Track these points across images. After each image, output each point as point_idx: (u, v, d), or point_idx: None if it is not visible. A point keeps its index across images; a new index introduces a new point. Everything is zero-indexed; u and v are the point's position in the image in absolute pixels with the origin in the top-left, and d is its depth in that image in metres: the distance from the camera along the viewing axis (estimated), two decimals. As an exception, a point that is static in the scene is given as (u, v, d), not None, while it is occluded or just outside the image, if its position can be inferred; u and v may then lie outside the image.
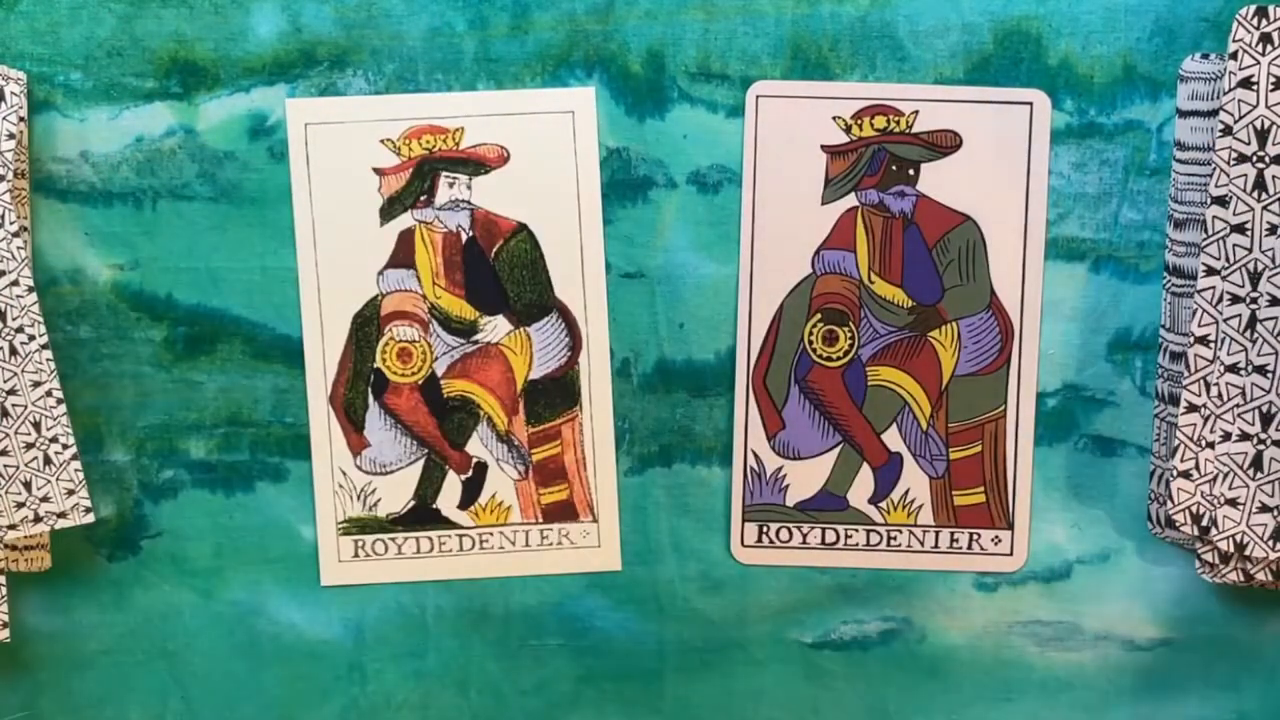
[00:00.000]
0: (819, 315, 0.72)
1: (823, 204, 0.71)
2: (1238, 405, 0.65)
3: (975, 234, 0.71)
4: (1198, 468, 0.66)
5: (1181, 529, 0.67)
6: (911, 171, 0.71)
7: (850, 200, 0.71)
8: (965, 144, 0.70)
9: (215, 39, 0.70)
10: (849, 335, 0.72)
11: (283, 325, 0.73)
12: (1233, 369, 0.65)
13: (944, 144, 0.71)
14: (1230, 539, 0.66)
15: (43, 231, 0.72)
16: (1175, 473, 0.67)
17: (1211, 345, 0.66)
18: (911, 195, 0.71)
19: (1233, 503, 0.66)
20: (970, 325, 0.72)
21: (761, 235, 0.71)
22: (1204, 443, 0.66)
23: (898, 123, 0.70)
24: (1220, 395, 0.66)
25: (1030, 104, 0.70)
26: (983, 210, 0.71)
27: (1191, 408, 0.66)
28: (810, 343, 0.72)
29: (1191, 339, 0.66)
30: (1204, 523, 0.67)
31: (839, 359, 0.72)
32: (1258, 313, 0.65)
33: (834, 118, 0.71)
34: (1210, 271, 0.65)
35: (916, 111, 0.70)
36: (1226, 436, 0.66)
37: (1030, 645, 0.74)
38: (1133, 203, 0.71)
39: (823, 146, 0.71)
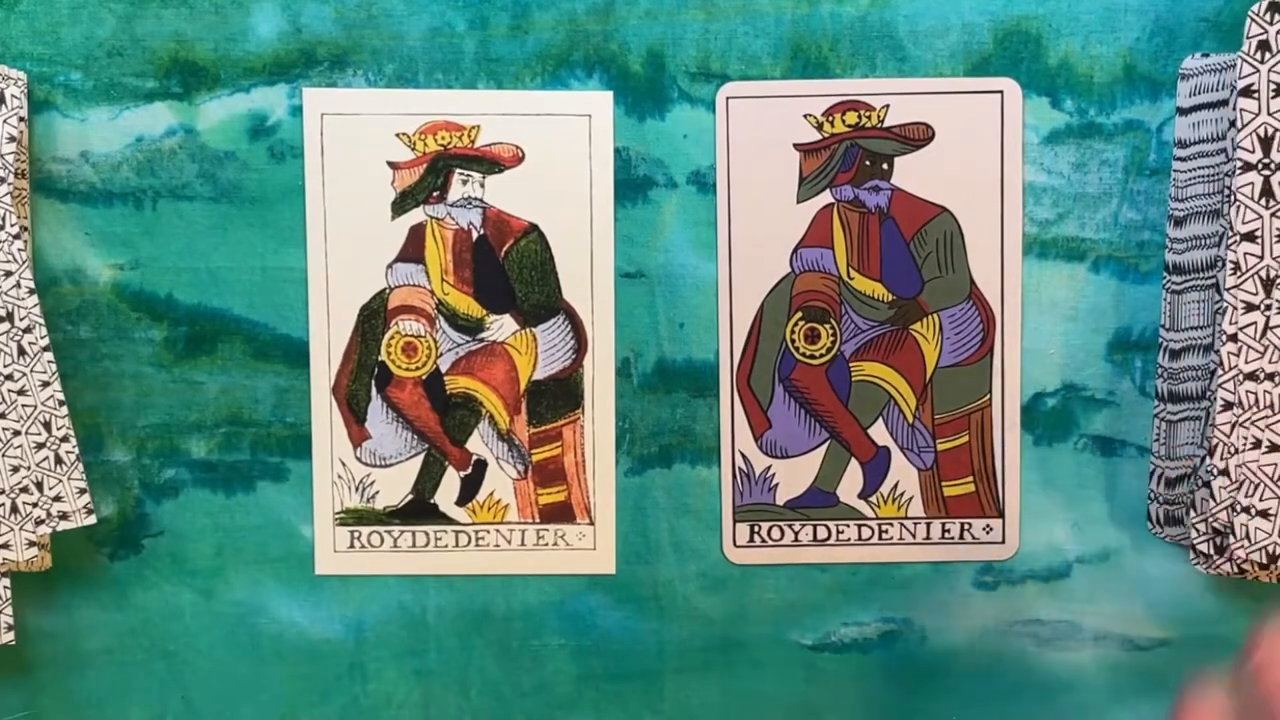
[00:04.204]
0: (800, 313, 0.72)
1: (798, 202, 0.71)
2: (1267, 416, 0.65)
3: (952, 225, 0.71)
4: (1228, 473, 0.66)
5: (1223, 529, 0.67)
6: (885, 165, 0.71)
7: (825, 197, 0.71)
8: (937, 135, 0.71)
9: (215, 39, 0.71)
10: (831, 332, 0.72)
11: (283, 325, 0.73)
12: (1251, 376, 0.65)
13: (916, 136, 0.71)
14: (1263, 550, 0.66)
15: (43, 231, 0.72)
16: (1215, 470, 0.66)
17: (1240, 344, 0.65)
18: (886, 189, 0.71)
19: (1264, 514, 0.66)
20: (951, 316, 0.72)
21: (739, 236, 0.72)
22: (1233, 449, 0.66)
23: (869, 117, 0.71)
24: (1240, 403, 0.65)
25: (1001, 92, 0.70)
26: (958, 201, 0.71)
27: (1227, 405, 0.66)
28: (792, 341, 0.72)
29: (1224, 337, 0.66)
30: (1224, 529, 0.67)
31: (822, 356, 0.72)
32: (1271, 319, 0.65)
33: (805, 115, 0.71)
34: (1246, 305, 0.65)
35: (887, 106, 0.71)
36: (1257, 444, 0.66)
37: (1030, 645, 0.74)
38: (1133, 203, 0.71)
39: (795, 145, 0.71)
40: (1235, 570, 0.67)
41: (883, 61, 0.70)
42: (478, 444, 0.74)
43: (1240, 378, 0.65)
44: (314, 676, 0.75)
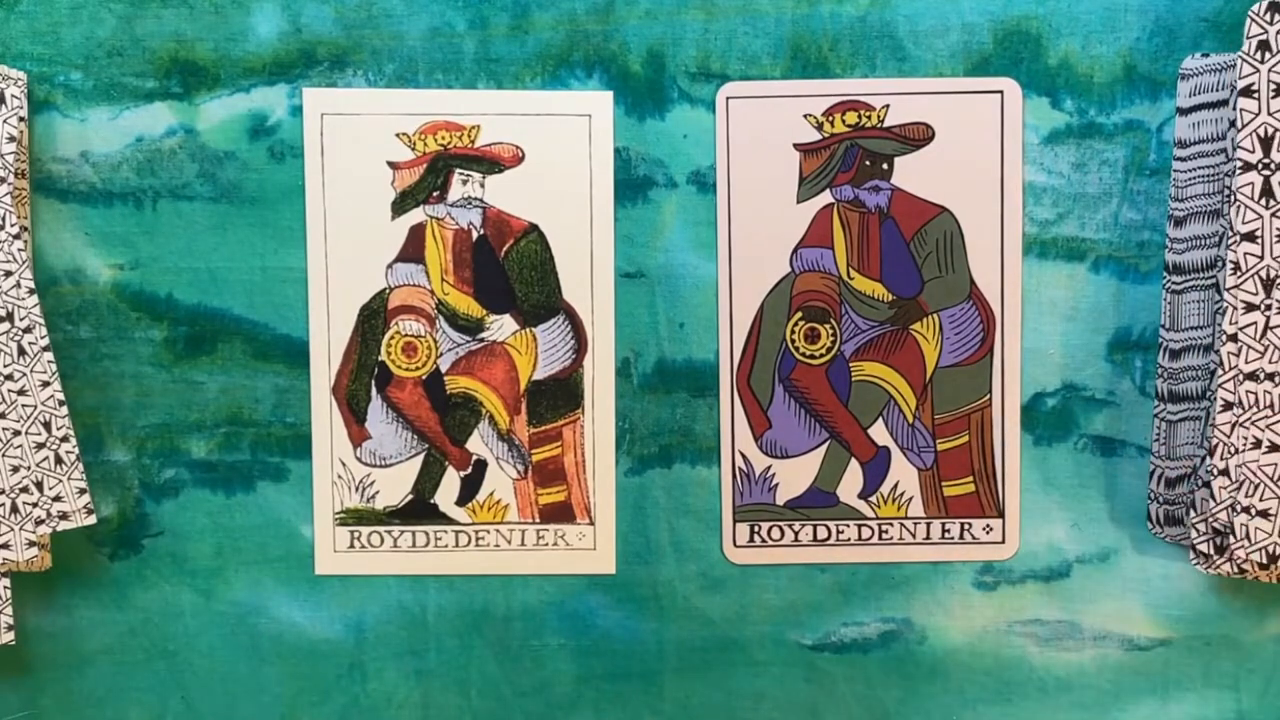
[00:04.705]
0: (800, 313, 0.72)
1: (798, 202, 0.72)
2: (1267, 416, 0.65)
3: (952, 225, 0.71)
4: (1228, 473, 0.66)
5: (1223, 529, 0.67)
6: (885, 165, 0.71)
7: (825, 197, 0.72)
8: (937, 135, 0.71)
9: (215, 39, 0.71)
10: (831, 332, 0.72)
11: (284, 325, 0.73)
12: (1251, 376, 0.65)
13: (916, 136, 0.71)
14: (1263, 550, 0.66)
15: (43, 231, 0.72)
16: (1215, 470, 0.66)
17: (1240, 344, 0.65)
18: (886, 189, 0.71)
19: (1263, 514, 0.66)
20: (951, 316, 0.72)
21: (739, 236, 0.72)
22: (1233, 449, 0.66)
23: (869, 117, 0.71)
24: (1240, 403, 0.65)
25: (1001, 92, 0.70)
26: (958, 200, 0.71)
27: (1227, 405, 0.66)
28: (792, 341, 0.72)
29: (1224, 337, 0.66)
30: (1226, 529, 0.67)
31: (822, 356, 0.72)
32: (1271, 319, 0.65)
33: (805, 115, 0.71)
34: (1247, 305, 0.65)
35: (887, 106, 0.71)
36: (1257, 444, 0.66)
37: (1030, 645, 0.74)
38: (1133, 203, 0.71)
39: (795, 145, 0.71)
40: (1235, 570, 0.67)
41: (883, 61, 0.70)
42: (478, 444, 0.74)
43: (1240, 378, 0.65)
44: (314, 676, 0.75)
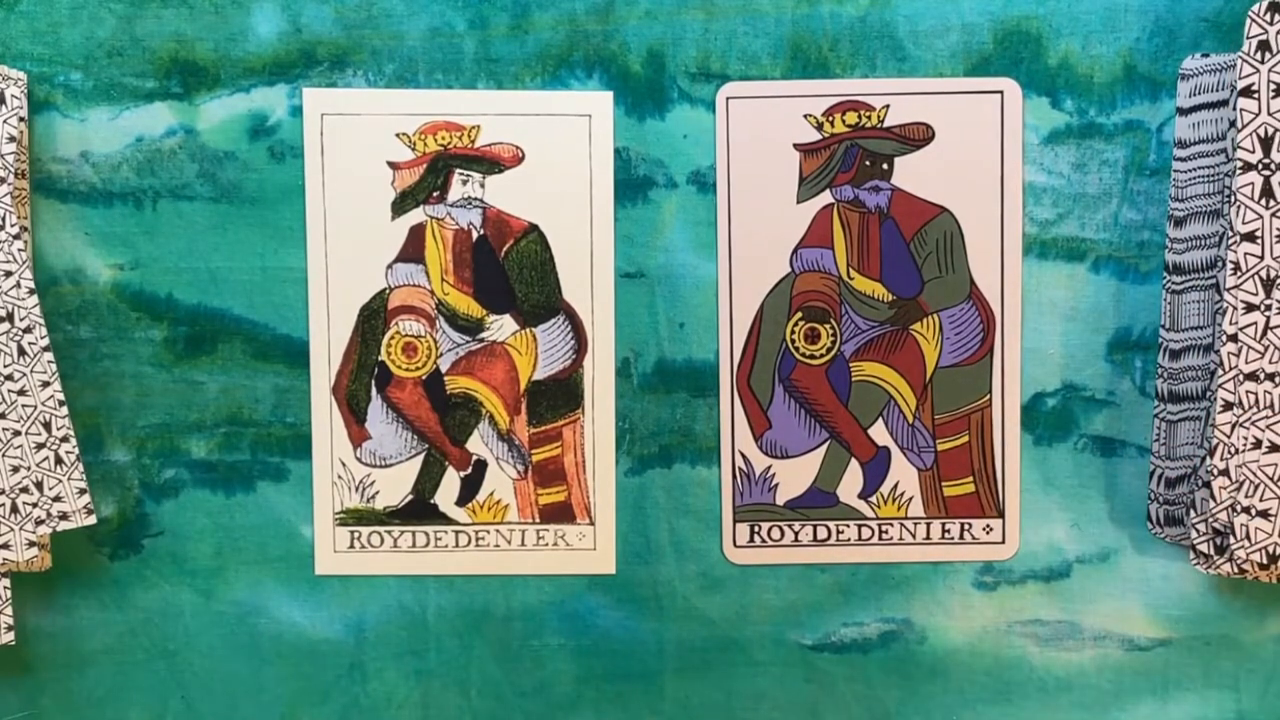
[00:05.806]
0: (800, 313, 0.72)
1: (798, 202, 0.72)
2: (1267, 416, 0.65)
3: (952, 225, 0.71)
4: (1228, 473, 0.66)
5: (1223, 530, 0.67)
6: (885, 166, 0.71)
7: (825, 197, 0.72)
8: (937, 135, 0.71)
9: (215, 39, 0.71)
10: (831, 332, 0.72)
11: (284, 325, 0.73)
12: (1251, 377, 0.65)
13: (916, 137, 0.71)
14: (1263, 550, 0.66)
15: (43, 232, 0.72)
16: (1215, 470, 0.66)
17: (1240, 344, 0.65)
18: (886, 189, 0.71)
19: (1264, 514, 0.66)
20: (951, 316, 0.72)
21: (739, 236, 0.72)
22: (1233, 449, 0.66)
23: (869, 118, 0.71)
24: (1240, 403, 0.65)
25: (1001, 93, 0.70)
26: (959, 201, 0.71)
27: (1227, 405, 0.66)
28: (792, 341, 0.72)
29: (1224, 337, 0.66)
30: (1228, 529, 0.67)
31: (822, 356, 0.72)
32: (1271, 319, 0.65)
33: (805, 116, 0.71)
34: (1247, 306, 0.65)
35: (887, 106, 0.71)
36: (1257, 444, 0.66)
37: (1030, 645, 0.74)
38: (1133, 203, 0.71)
39: (795, 145, 0.71)
40: (1235, 570, 0.67)
41: (883, 61, 0.71)
42: (478, 444, 0.74)
43: (1240, 378, 0.65)
44: (314, 676, 0.75)
